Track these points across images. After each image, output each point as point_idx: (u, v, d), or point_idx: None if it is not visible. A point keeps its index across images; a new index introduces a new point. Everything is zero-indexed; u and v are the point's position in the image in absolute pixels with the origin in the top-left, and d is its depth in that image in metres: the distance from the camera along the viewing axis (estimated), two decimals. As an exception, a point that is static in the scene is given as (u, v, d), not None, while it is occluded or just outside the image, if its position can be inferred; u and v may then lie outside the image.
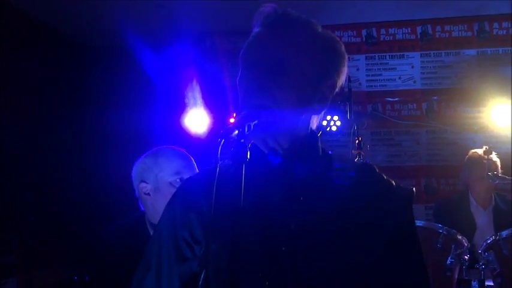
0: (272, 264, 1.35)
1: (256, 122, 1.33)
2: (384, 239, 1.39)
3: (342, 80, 1.51)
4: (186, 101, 5.27)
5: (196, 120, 5.18)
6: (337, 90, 1.50)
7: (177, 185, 2.39)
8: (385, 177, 1.51)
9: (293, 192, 1.41)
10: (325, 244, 1.36)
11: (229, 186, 1.25)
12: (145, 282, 1.52)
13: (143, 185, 2.53)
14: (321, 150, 1.53)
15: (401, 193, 1.49)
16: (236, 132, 1.27)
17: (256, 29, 1.48)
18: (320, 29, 1.50)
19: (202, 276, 1.43)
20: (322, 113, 1.53)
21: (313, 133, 1.52)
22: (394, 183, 1.50)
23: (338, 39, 1.52)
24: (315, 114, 1.50)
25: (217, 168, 1.21)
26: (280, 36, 1.43)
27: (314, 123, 1.53)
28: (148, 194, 2.50)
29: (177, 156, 2.55)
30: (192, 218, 1.47)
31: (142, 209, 2.57)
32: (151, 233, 2.44)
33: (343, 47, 1.52)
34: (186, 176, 2.43)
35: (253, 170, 1.30)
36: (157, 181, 2.50)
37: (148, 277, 1.51)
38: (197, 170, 2.53)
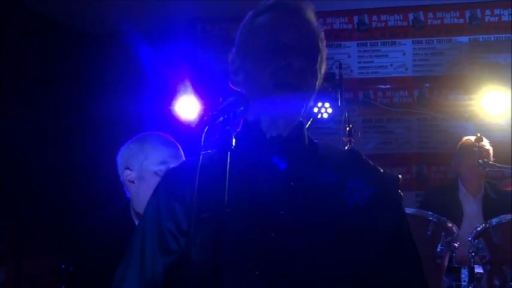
0: (262, 252, 1.33)
1: (242, 108, 1.32)
2: (374, 223, 1.40)
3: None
4: (177, 87, 5.24)
5: (187, 107, 5.16)
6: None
7: (161, 174, 2.33)
8: (372, 163, 1.53)
9: (282, 179, 1.40)
10: (315, 229, 1.35)
11: (214, 175, 1.24)
12: (128, 275, 1.50)
13: (128, 172, 2.46)
14: (307, 137, 1.53)
15: (389, 179, 1.52)
16: (221, 119, 1.26)
17: (265, 13, 1.49)
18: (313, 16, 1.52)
19: (187, 267, 1.41)
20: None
21: (301, 121, 1.52)
22: (381, 170, 1.52)
23: None
24: (310, 100, 1.51)
25: (200, 158, 1.20)
26: (302, 23, 1.46)
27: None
28: (133, 182, 2.43)
29: (164, 145, 2.48)
30: (176, 208, 1.45)
31: (129, 195, 2.53)
32: (136, 221, 2.40)
33: None
34: (172, 166, 2.39)
35: (240, 157, 1.30)
36: (142, 169, 2.43)
37: (131, 270, 1.49)
38: (184, 158, 2.49)
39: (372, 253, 1.38)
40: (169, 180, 1.53)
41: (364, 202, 1.41)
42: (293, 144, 1.46)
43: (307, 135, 1.53)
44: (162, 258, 1.46)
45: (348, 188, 1.41)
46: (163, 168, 2.38)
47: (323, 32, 1.52)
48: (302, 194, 1.39)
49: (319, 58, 1.47)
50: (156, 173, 2.39)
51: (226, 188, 1.21)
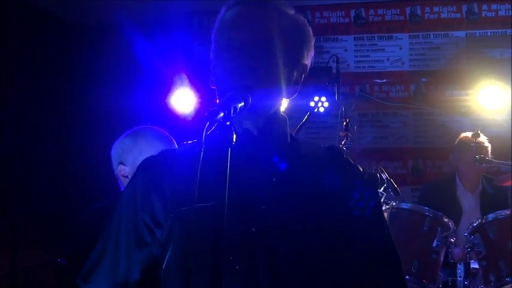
0: (242, 246, 1.32)
1: (242, 104, 1.31)
2: (352, 222, 1.41)
3: (310, 64, 1.52)
4: (173, 80, 5.21)
5: (183, 100, 5.13)
6: (305, 75, 1.51)
7: None
8: (352, 162, 1.53)
9: (264, 174, 1.39)
10: (296, 225, 1.35)
11: (194, 168, 1.22)
12: (100, 269, 1.47)
13: (121, 167, 2.44)
14: (288, 134, 1.52)
15: (368, 177, 1.52)
16: (221, 114, 1.25)
17: (231, 9, 1.45)
18: (292, 12, 1.48)
19: (165, 261, 1.39)
20: (293, 97, 1.51)
21: (283, 117, 1.51)
22: (360, 168, 1.52)
23: (307, 22, 1.52)
24: (287, 97, 1.49)
25: (202, 153, 1.19)
26: (261, 17, 1.41)
27: (282, 107, 1.52)
28: (127, 177, 2.40)
29: (158, 140, 2.46)
30: (154, 199, 1.42)
31: (122, 189, 2.51)
32: None
33: (311, 31, 1.51)
34: None
35: (222, 151, 1.29)
36: (136, 164, 2.40)
37: (104, 262, 1.46)
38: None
39: (351, 252, 1.40)
40: (147, 171, 1.49)
41: (343, 201, 1.41)
42: (273, 140, 1.45)
43: (289, 133, 1.52)
44: (137, 252, 1.43)
45: (328, 187, 1.41)
46: None
47: (303, 23, 1.49)
48: (283, 190, 1.38)
49: (282, 51, 1.40)
50: None
51: (227, 180, 1.22)
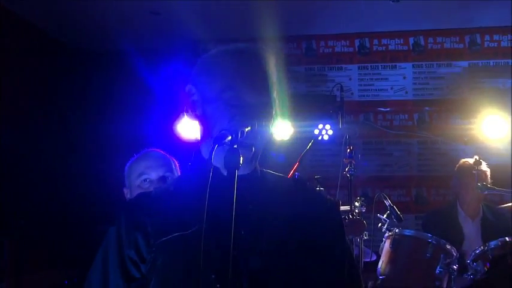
0: (224, 268, 1.35)
1: (249, 128, 1.38)
2: (322, 240, 1.53)
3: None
4: (179, 107, 5.27)
5: (189, 127, 5.18)
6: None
7: (144, 186, 2.43)
8: (316, 190, 1.69)
9: (242, 202, 1.42)
10: (270, 249, 1.46)
11: (180, 198, 1.33)
12: None
13: (125, 190, 2.59)
14: (258, 170, 1.62)
15: (331, 205, 1.65)
16: (229, 137, 1.31)
17: (220, 56, 1.59)
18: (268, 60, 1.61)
19: None
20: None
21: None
22: (324, 196, 1.69)
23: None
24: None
25: (210, 174, 1.24)
26: (258, 57, 1.55)
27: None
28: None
29: (143, 159, 2.56)
30: (137, 237, 1.48)
31: None
32: None
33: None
34: (151, 176, 2.47)
35: (202, 180, 1.36)
36: (131, 185, 2.54)
37: None
38: (171, 168, 2.55)
39: (321, 273, 1.50)
40: (129, 210, 1.56)
41: (309, 225, 1.52)
42: (249, 174, 1.55)
43: (258, 167, 1.61)
44: (125, 286, 1.47)
45: (296, 213, 1.52)
46: (142, 179, 2.48)
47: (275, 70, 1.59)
48: (258, 217, 1.49)
49: (274, 110, 1.56)
50: (139, 186, 2.48)
51: (234, 205, 1.29)
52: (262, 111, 1.50)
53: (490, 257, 3.43)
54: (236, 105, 1.48)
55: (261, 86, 1.52)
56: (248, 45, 1.58)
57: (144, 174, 2.48)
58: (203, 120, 1.57)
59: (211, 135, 1.41)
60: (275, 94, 1.55)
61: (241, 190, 1.41)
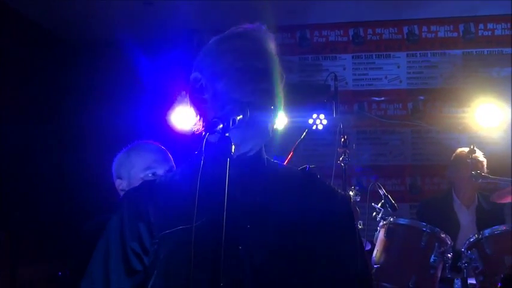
0: (229, 264, 1.34)
1: (241, 116, 1.36)
2: (329, 238, 1.47)
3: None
4: (173, 97, 5.26)
5: (183, 117, 5.17)
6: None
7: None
8: (326, 184, 1.61)
9: (249, 194, 1.44)
10: (278, 245, 1.41)
11: (185, 188, 1.30)
12: None
13: (119, 181, 2.53)
14: (265, 159, 1.58)
15: (342, 200, 1.59)
16: (221, 126, 1.30)
17: (226, 41, 1.57)
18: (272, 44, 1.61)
19: (149, 286, 1.41)
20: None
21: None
22: (336, 190, 1.61)
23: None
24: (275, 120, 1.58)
25: (201, 166, 1.23)
26: (258, 48, 1.54)
27: (281, 124, 1.61)
28: (124, 190, 2.47)
29: (148, 151, 2.53)
30: (140, 228, 1.45)
31: None
32: None
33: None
34: (158, 170, 2.44)
35: (209, 171, 1.35)
36: (130, 177, 2.49)
37: None
38: (172, 164, 2.53)
39: (329, 270, 1.45)
40: (131, 199, 1.53)
41: (319, 220, 1.46)
42: (256, 163, 1.51)
43: (266, 156, 1.58)
44: (127, 281, 1.45)
45: (305, 208, 1.47)
46: (149, 173, 2.45)
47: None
48: (265, 210, 1.44)
49: (282, 81, 1.55)
50: (143, 179, 2.42)
51: (226, 195, 1.26)
52: (274, 75, 1.50)
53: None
54: (248, 70, 1.47)
55: (269, 56, 1.53)
56: (253, 27, 1.58)
57: (152, 168, 2.45)
58: (212, 100, 1.52)
59: (222, 113, 1.37)
60: (278, 73, 1.54)
61: (249, 183, 1.43)
